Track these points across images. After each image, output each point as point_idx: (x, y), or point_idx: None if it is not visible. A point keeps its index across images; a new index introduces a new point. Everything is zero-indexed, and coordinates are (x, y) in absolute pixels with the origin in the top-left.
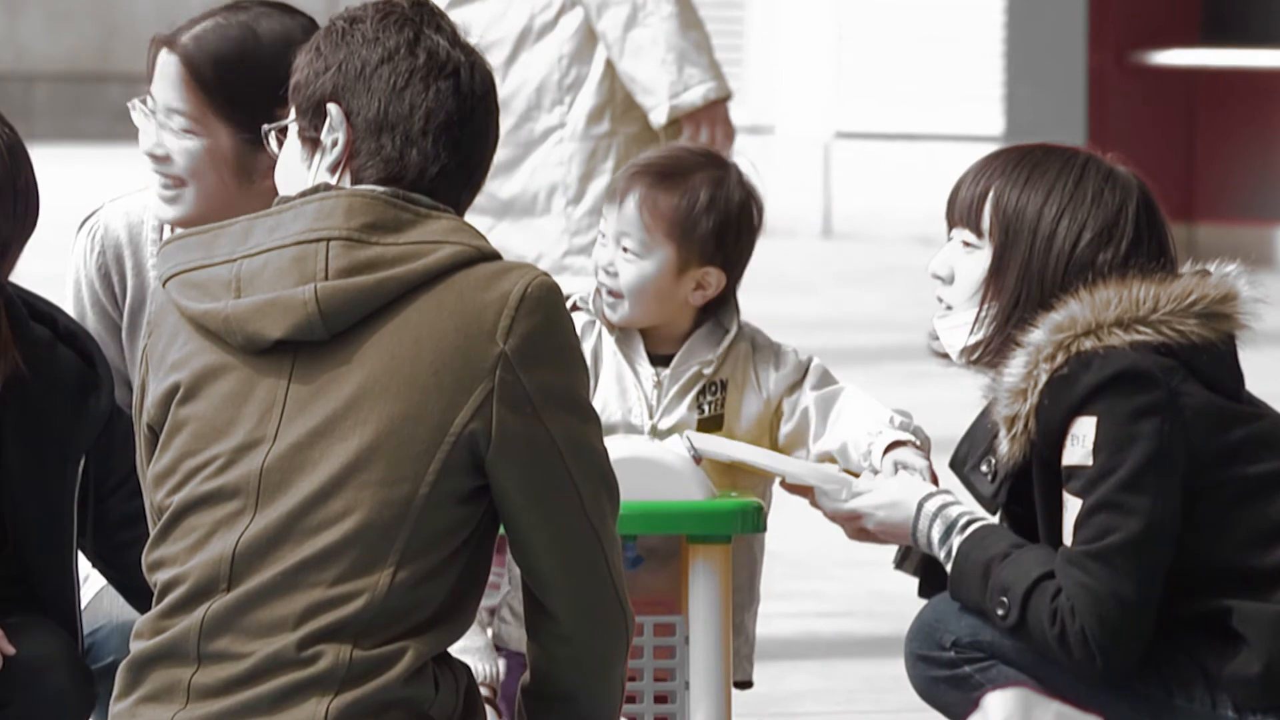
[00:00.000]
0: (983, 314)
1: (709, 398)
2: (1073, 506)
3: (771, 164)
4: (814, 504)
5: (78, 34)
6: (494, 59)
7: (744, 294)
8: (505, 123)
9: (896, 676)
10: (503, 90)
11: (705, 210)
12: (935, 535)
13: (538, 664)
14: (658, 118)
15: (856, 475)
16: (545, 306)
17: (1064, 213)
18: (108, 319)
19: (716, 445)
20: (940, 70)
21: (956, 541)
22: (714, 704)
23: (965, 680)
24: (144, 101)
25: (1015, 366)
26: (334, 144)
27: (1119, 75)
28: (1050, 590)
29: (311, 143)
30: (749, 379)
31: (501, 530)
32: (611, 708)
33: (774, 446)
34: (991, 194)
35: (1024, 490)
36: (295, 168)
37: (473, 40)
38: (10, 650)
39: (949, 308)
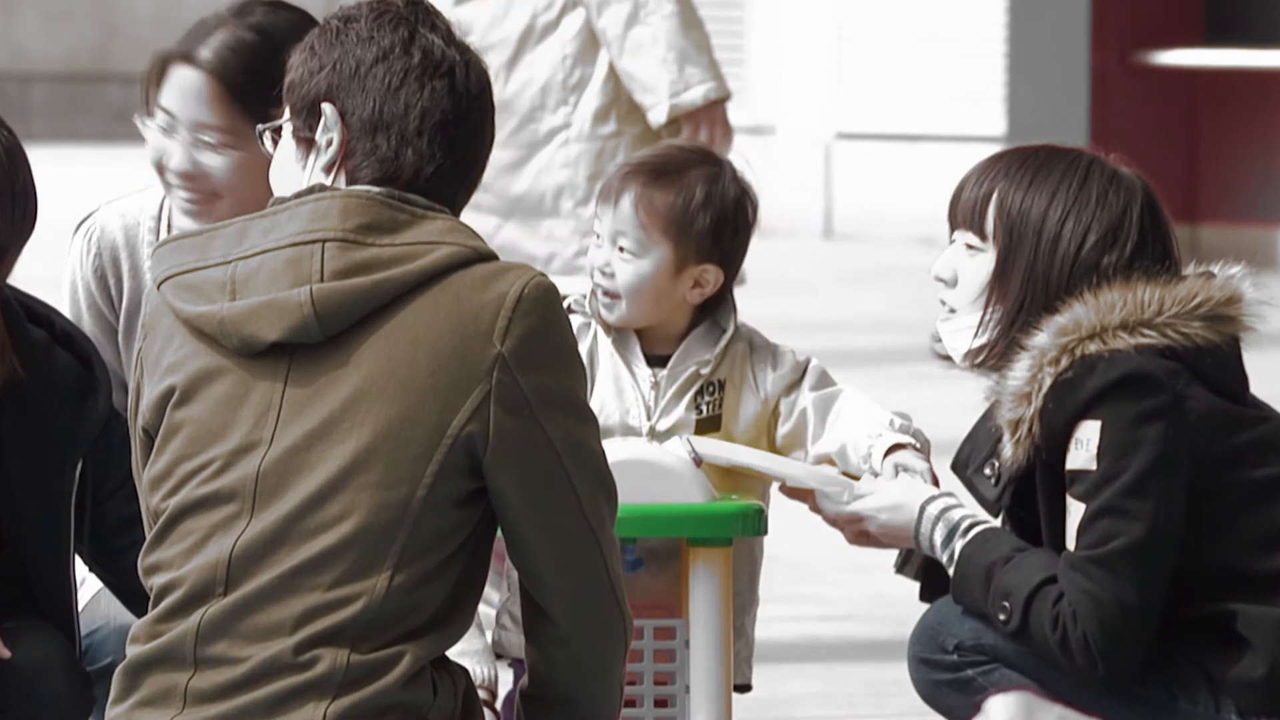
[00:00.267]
0: (986, 317)
1: (707, 398)
2: (1076, 511)
3: (772, 165)
4: (814, 508)
5: (75, 34)
6: (496, 59)
7: (744, 295)
8: (508, 123)
9: (898, 680)
10: (505, 91)
11: (701, 207)
12: (937, 539)
13: (536, 667)
14: (657, 116)
15: (856, 478)
16: (542, 307)
17: (1069, 215)
18: (104, 322)
19: (717, 449)
20: (942, 70)
21: (959, 545)
22: (714, 708)
23: (968, 684)
24: (154, 117)
25: (1019, 370)
26: (329, 144)
27: (1121, 75)
28: (1052, 595)
29: (306, 143)
30: (747, 379)
31: (499, 533)
32: (610, 711)
33: (771, 447)
34: (995, 196)
35: (1028, 494)
36: (290, 168)
37: (473, 40)
38: (6, 654)
39: (952, 311)
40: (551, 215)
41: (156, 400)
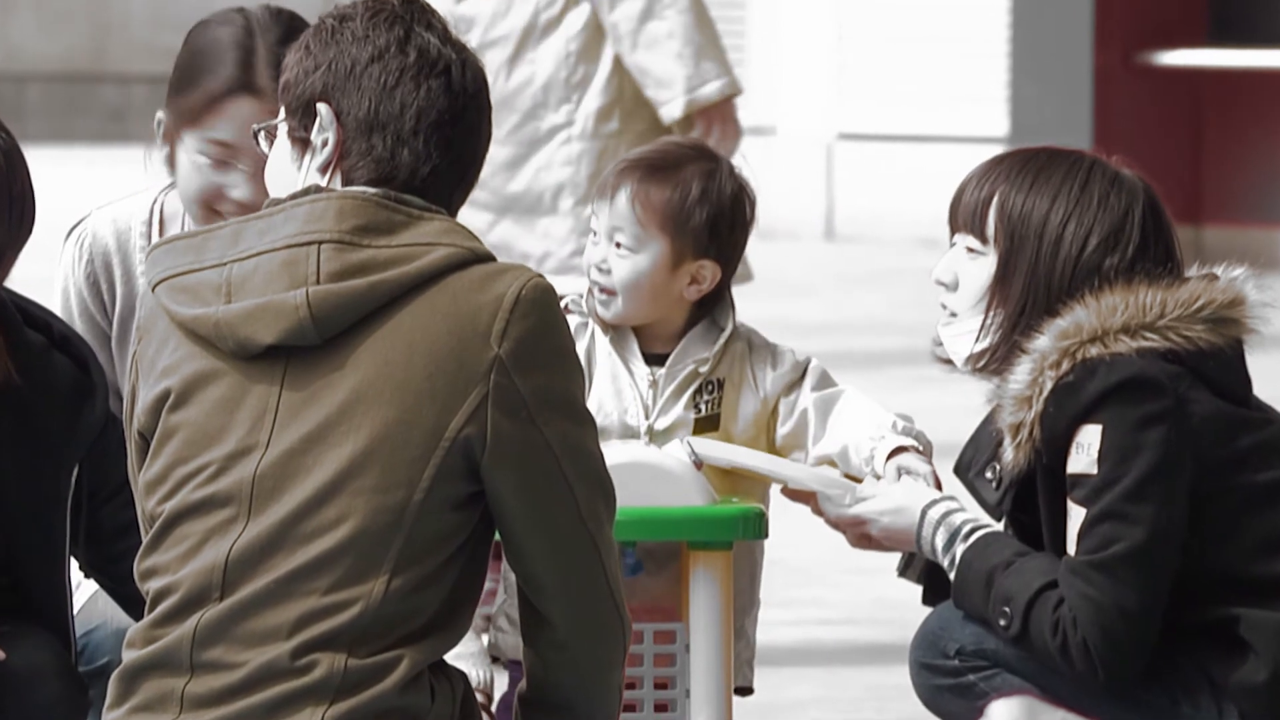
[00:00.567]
0: (988, 321)
1: (705, 397)
2: (1077, 515)
3: (773, 165)
4: (816, 510)
5: (71, 34)
6: (497, 55)
7: (745, 296)
8: (509, 120)
9: (900, 685)
10: (507, 87)
11: (698, 202)
12: (939, 543)
13: (534, 671)
14: (672, 111)
15: (858, 480)
16: (540, 309)
17: (1070, 217)
18: (96, 328)
19: (717, 450)
20: (944, 71)
21: (960, 549)
22: (715, 712)
23: (970, 689)
24: (190, 150)
25: (1020, 373)
26: (324, 144)
27: (1125, 76)
28: (1052, 601)
29: (301, 143)
30: (746, 378)
31: (497, 536)
32: (609, 715)
33: (771, 447)
34: (996, 199)
35: (1029, 497)
36: (285, 168)
37: (475, 36)
38: (1, 656)
39: (953, 314)
40: (549, 213)
41: (152, 403)
